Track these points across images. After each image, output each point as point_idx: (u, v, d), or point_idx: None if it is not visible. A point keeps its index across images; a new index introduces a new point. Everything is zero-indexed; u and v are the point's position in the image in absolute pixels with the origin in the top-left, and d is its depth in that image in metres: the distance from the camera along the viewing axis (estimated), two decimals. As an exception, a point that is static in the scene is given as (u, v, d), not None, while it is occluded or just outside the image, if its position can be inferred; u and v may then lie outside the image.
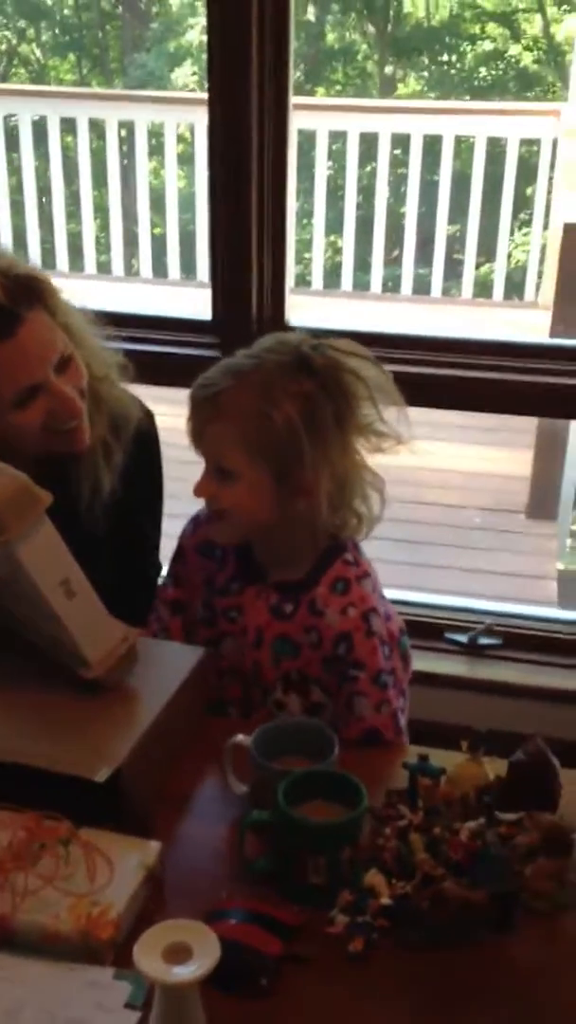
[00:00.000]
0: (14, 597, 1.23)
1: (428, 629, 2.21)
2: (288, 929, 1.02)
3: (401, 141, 5.04)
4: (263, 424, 1.29)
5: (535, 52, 8.15)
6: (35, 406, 1.36)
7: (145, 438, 1.56)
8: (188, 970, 0.86)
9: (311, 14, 8.15)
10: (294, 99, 2.00)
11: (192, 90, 7.82)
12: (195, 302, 4.13)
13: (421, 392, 1.62)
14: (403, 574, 2.99)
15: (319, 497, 1.32)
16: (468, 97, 7.91)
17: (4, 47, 8.99)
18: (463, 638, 2.23)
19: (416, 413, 1.41)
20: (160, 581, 1.58)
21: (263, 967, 0.98)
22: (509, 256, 5.35)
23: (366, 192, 5.28)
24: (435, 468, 3.63)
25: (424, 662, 1.87)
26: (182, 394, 2.18)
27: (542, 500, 3.71)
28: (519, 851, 1.08)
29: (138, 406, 1.56)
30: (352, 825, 1.07)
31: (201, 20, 7.85)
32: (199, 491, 1.36)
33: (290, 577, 1.39)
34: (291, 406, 1.29)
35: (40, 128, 5.08)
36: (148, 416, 1.59)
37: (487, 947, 1.04)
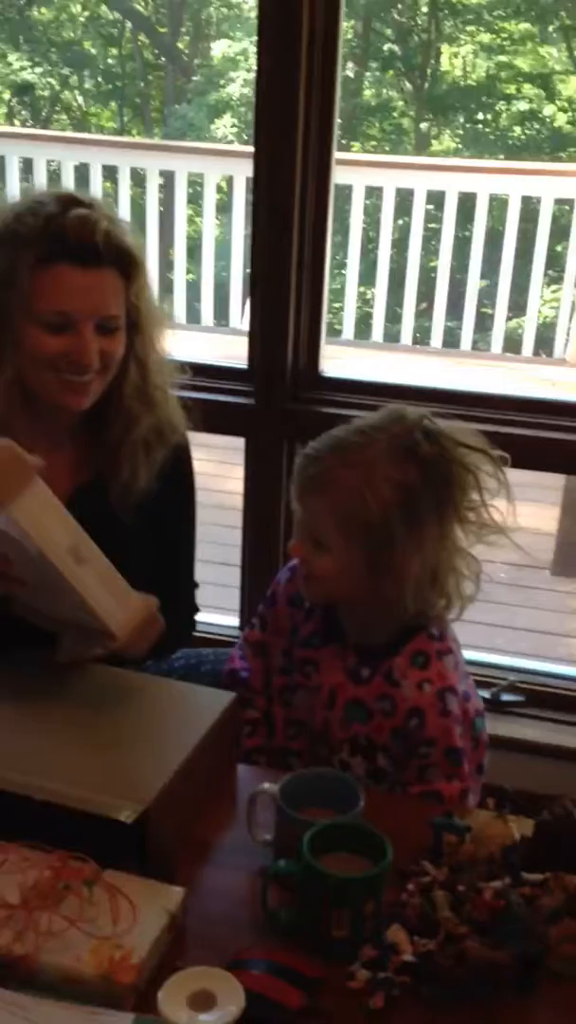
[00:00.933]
0: (32, 586, 1.25)
1: (451, 683, 2.20)
2: (309, 981, 1.01)
3: (435, 197, 5.12)
4: (359, 506, 1.29)
5: (569, 113, 8.27)
6: (57, 338, 1.38)
7: (182, 454, 1.60)
8: (212, 1018, 0.85)
9: (350, 70, 8.32)
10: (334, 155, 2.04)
11: (231, 142, 7.98)
12: (227, 347, 4.19)
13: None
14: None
15: (407, 581, 1.32)
16: (502, 156, 8.02)
17: (47, 93, 9.21)
18: (486, 694, 2.21)
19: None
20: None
21: (284, 1020, 0.97)
22: (539, 312, 5.39)
23: (399, 245, 5.35)
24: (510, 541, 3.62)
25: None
26: (215, 439, 2.21)
27: (567, 557, 3.70)
28: (543, 912, 1.07)
29: (184, 425, 1.59)
30: (376, 880, 1.07)
31: (243, 74, 8.05)
32: (293, 551, 1.39)
33: (371, 641, 1.40)
34: (390, 493, 1.29)
35: (82, 174, 5.18)
36: (186, 439, 1.62)
37: (509, 1008, 1.02)
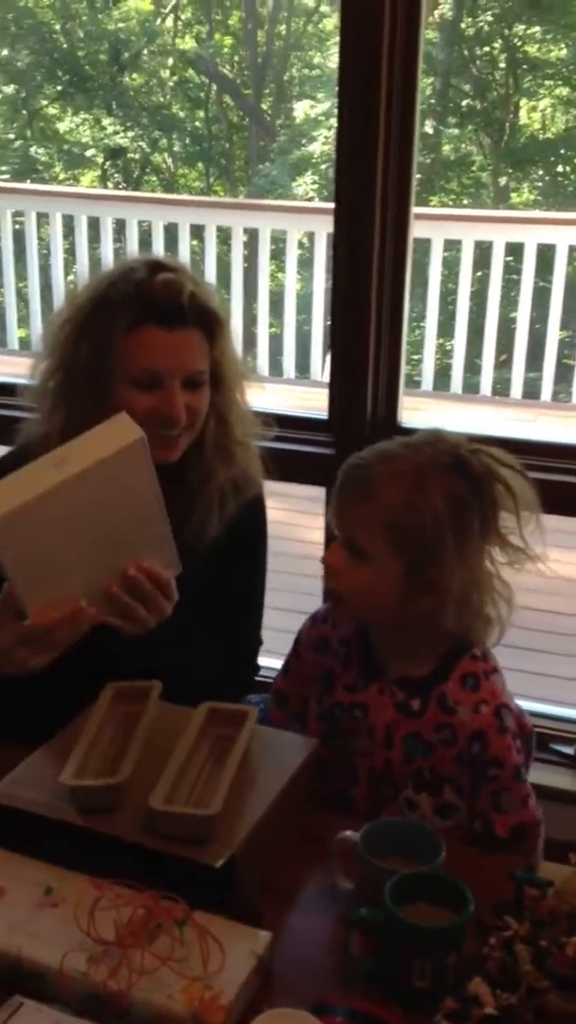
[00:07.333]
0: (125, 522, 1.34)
1: (532, 738, 2.19)
2: (391, 1030, 1.02)
3: (514, 249, 5.14)
4: (410, 515, 1.30)
5: None
6: (146, 396, 1.46)
7: (256, 508, 1.66)
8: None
9: (429, 126, 8.44)
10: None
11: (311, 199, 8.14)
12: (308, 399, 4.25)
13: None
14: (507, 680, 2.96)
15: (447, 599, 1.33)
16: (583, 208, 8.03)
17: (138, 156, 9.53)
18: (569, 750, 2.19)
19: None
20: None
21: (366, 1066, 0.98)
22: (621, 362, 5.37)
23: (477, 297, 5.38)
24: (539, 573, 3.57)
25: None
26: (294, 490, 2.24)
27: None
28: (627, 969, 1.06)
29: (261, 478, 1.64)
30: (459, 930, 1.08)
31: (324, 132, 8.23)
32: (329, 559, 1.37)
33: (414, 673, 1.39)
34: (441, 503, 1.30)
35: (171, 234, 5.34)
36: (261, 491, 1.67)
37: (592, 1066, 1.01)
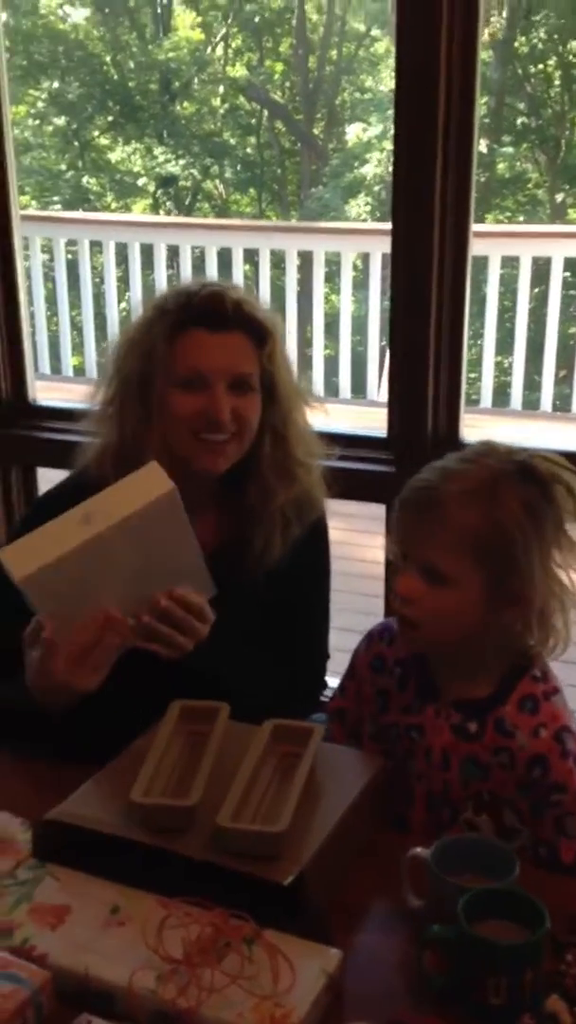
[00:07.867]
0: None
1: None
2: (467, 1051, 1.00)
3: (573, 264, 5.10)
4: (493, 529, 1.26)
5: None
6: (192, 398, 1.48)
7: (319, 530, 1.65)
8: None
9: (483, 145, 8.44)
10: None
11: (364, 220, 8.17)
12: (364, 418, 4.25)
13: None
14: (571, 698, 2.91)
15: (530, 610, 1.29)
16: None
17: (190, 183, 9.67)
18: None
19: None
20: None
21: None
22: None
23: (535, 313, 5.35)
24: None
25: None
26: (353, 509, 2.23)
27: None
28: None
29: (324, 503, 1.64)
30: (536, 947, 1.05)
31: (376, 154, 8.27)
32: (407, 590, 1.31)
33: (471, 694, 1.35)
34: (519, 511, 1.26)
35: (224, 259, 5.40)
36: (324, 513, 1.67)
37: None
